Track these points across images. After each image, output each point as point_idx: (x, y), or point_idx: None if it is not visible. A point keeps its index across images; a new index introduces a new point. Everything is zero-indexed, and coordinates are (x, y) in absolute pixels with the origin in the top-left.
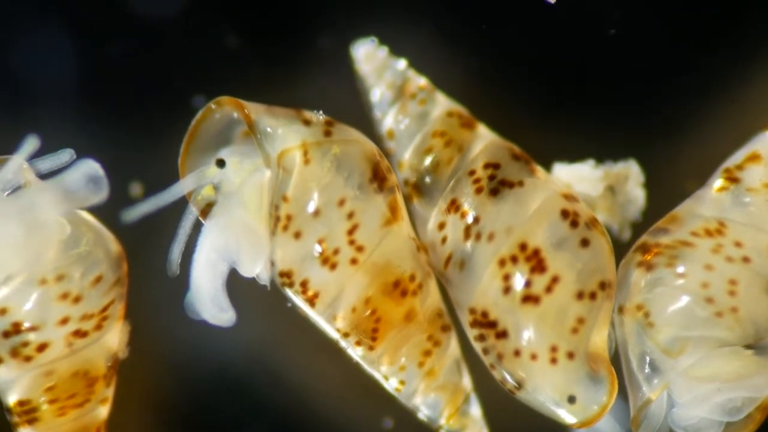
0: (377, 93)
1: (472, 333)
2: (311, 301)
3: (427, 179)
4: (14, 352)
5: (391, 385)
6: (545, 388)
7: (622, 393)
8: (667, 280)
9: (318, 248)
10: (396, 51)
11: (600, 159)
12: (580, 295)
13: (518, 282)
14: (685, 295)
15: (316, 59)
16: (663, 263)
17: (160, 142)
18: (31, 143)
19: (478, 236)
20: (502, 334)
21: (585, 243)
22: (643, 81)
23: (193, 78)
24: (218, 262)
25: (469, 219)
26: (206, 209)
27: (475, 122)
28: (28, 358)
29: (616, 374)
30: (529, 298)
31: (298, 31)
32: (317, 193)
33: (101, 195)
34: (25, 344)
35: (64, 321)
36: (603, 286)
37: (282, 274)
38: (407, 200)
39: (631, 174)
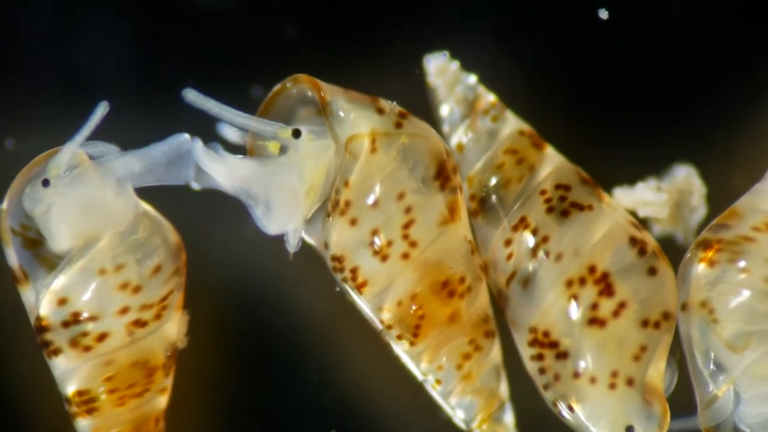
0: (447, 108)
1: (529, 352)
2: (359, 289)
3: (494, 197)
4: (73, 342)
5: (428, 382)
6: (599, 415)
7: (689, 389)
8: (729, 276)
9: (372, 239)
10: (464, 65)
11: (656, 161)
12: (645, 323)
13: (585, 304)
14: (747, 290)
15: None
16: (725, 259)
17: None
18: (102, 108)
19: (545, 255)
20: (563, 356)
21: (652, 272)
22: (689, 76)
23: (252, 67)
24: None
25: (538, 237)
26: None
27: (543, 143)
28: (87, 348)
29: (680, 373)
30: (595, 321)
31: (362, 26)
32: (379, 183)
33: (189, 174)
34: (85, 334)
35: (124, 311)
36: (666, 316)
37: (334, 258)
38: (471, 216)
39: (694, 189)
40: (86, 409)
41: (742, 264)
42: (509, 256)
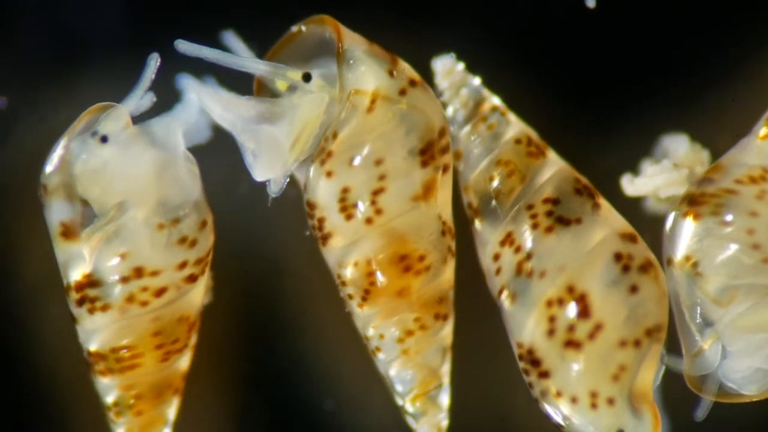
0: (451, 109)
1: (519, 364)
2: (324, 240)
3: (493, 202)
4: (130, 298)
5: (369, 346)
6: (588, 426)
7: (677, 344)
8: (713, 229)
9: (342, 195)
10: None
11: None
12: (623, 344)
13: (562, 325)
14: (732, 243)
15: None
16: (708, 212)
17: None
18: (154, 60)
19: (530, 273)
20: (545, 374)
21: (634, 289)
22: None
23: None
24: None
25: (523, 254)
26: (266, 95)
27: (543, 149)
28: (144, 303)
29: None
30: (571, 344)
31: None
32: (365, 143)
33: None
34: (144, 289)
35: (183, 265)
36: (649, 332)
37: (307, 203)
38: (472, 217)
39: (701, 157)
40: (129, 364)
41: (725, 217)
42: (498, 271)
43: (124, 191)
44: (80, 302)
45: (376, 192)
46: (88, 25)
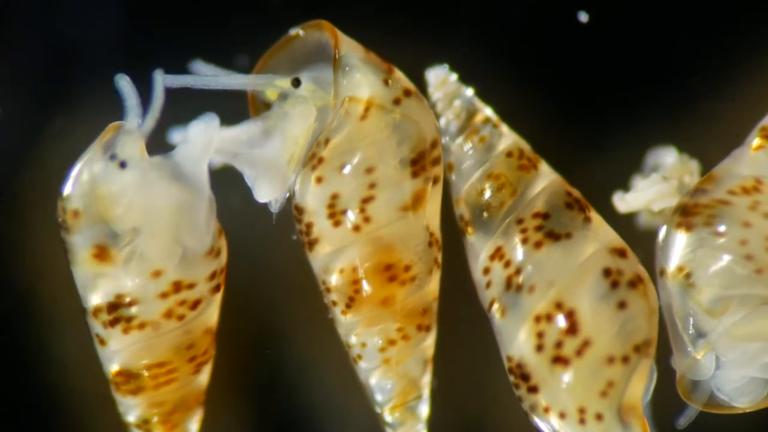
0: (444, 120)
1: (509, 378)
2: (310, 245)
3: (485, 214)
4: (169, 313)
5: (351, 354)
6: None
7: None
8: (706, 240)
9: (331, 201)
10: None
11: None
12: (611, 360)
13: (550, 341)
14: (725, 254)
15: None
16: (701, 223)
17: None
18: (159, 77)
19: (519, 287)
20: (533, 389)
21: (622, 305)
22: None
23: (236, 39)
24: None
25: (512, 269)
26: (260, 105)
27: (535, 161)
28: (181, 317)
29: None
30: (559, 360)
31: None
32: (356, 151)
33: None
34: (182, 302)
35: (212, 276)
36: (638, 348)
37: (296, 207)
38: (464, 228)
39: (690, 168)
40: (164, 380)
41: (718, 228)
42: (488, 284)
43: (142, 218)
44: (113, 323)
45: (366, 200)
46: (85, 35)
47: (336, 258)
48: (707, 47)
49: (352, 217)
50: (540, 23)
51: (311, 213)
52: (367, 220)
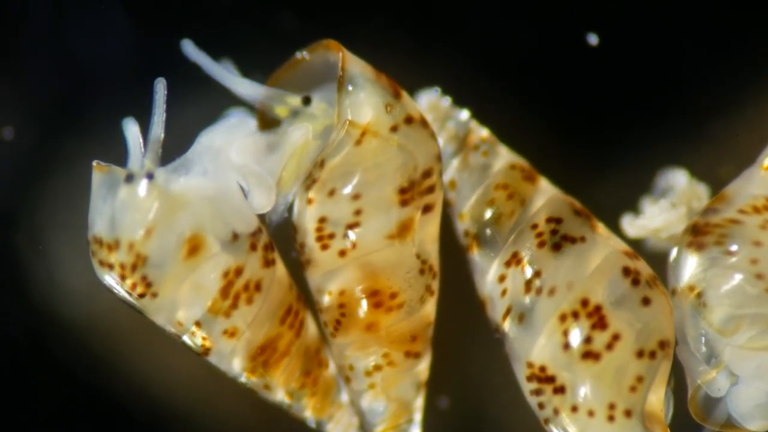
0: (439, 143)
1: (528, 387)
2: (305, 264)
3: (488, 231)
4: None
5: (342, 374)
6: None
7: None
8: (717, 259)
9: (319, 225)
10: (458, 100)
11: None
12: (640, 354)
13: (578, 338)
14: (737, 273)
15: None
16: (712, 242)
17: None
18: (161, 85)
19: (539, 290)
20: (560, 390)
21: (646, 302)
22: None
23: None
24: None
25: (530, 272)
26: (269, 120)
27: (536, 175)
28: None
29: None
30: (589, 355)
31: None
32: (348, 175)
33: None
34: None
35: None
36: (662, 345)
37: (292, 226)
38: (466, 250)
39: (699, 193)
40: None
41: (729, 247)
42: (503, 292)
43: (192, 219)
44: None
45: (351, 226)
46: (96, 54)
47: (326, 280)
48: (718, 68)
49: (337, 241)
50: (548, 44)
51: (303, 233)
52: (353, 245)
